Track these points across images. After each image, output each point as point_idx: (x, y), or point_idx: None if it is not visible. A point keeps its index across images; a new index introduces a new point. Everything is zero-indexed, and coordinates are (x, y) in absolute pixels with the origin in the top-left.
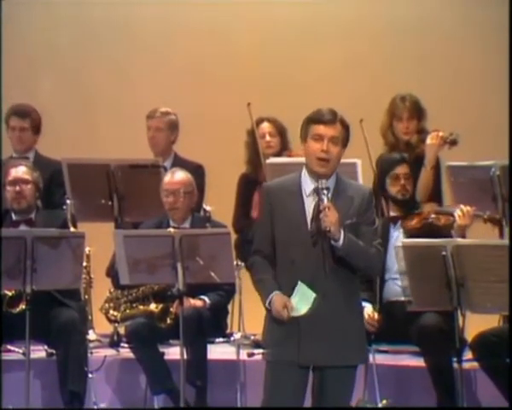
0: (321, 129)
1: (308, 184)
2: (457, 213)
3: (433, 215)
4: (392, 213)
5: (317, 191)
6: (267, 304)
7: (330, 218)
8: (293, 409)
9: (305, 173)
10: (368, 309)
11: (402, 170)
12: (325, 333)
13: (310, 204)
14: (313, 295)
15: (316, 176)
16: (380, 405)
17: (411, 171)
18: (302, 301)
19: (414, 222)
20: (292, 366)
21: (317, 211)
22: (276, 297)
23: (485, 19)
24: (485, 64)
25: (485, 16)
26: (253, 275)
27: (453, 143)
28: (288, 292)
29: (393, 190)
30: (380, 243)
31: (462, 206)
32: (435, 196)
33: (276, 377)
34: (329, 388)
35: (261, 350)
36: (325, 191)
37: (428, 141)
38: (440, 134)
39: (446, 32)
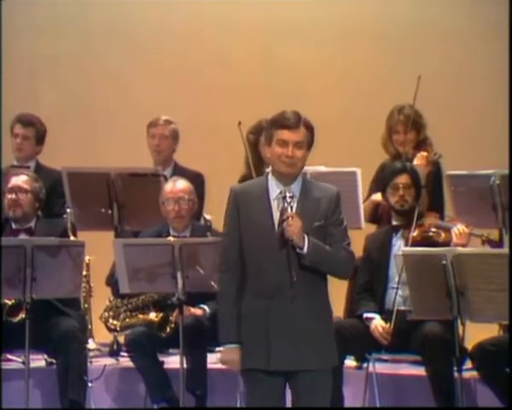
0: (285, 134)
1: (274, 189)
2: (454, 231)
3: (433, 229)
4: (394, 223)
5: (281, 199)
6: (221, 344)
7: (293, 228)
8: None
9: (271, 178)
10: (378, 321)
11: (402, 180)
12: (294, 337)
13: (276, 208)
14: None
15: (282, 179)
16: None
17: (413, 181)
18: None
19: (414, 234)
20: (264, 372)
21: (281, 219)
22: (230, 351)
23: (487, 21)
24: (487, 69)
25: (487, 18)
26: (218, 294)
27: (436, 162)
28: (256, 296)
29: (393, 200)
30: (349, 243)
31: (459, 225)
32: (437, 205)
33: (253, 384)
34: (304, 393)
35: None
36: (289, 199)
37: (415, 162)
38: (425, 154)
39: (448, 33)
